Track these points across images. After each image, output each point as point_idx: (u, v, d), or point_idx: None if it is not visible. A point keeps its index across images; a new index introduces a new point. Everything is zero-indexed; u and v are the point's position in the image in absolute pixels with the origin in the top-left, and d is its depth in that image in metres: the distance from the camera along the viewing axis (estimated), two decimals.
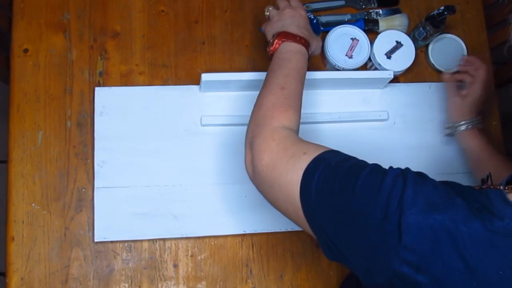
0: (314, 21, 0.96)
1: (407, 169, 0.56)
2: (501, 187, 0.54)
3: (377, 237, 0.52)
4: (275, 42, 0.79)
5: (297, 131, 0.71)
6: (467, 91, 0.95)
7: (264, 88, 0.75)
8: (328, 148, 0.63)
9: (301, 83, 0.76)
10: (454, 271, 0.48)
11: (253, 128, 0.70)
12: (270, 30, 0.84)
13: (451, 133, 0.98)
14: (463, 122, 0.95)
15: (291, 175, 0.60)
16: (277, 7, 0.86)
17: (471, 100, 0.95)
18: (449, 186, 0.55)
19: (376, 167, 0.57)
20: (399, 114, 1.00)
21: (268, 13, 0.87)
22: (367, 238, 0.53)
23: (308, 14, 0.89)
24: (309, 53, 0.82)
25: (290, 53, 0.78)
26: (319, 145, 0.64)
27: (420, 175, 0.55)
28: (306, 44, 0.80)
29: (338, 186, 0.56)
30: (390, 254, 0.50)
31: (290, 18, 0.83)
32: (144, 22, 0.97)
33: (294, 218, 0.62)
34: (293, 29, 0.81)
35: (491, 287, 0.48)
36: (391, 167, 0.56)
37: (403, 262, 0.50)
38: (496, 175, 0.71)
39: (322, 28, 1.00)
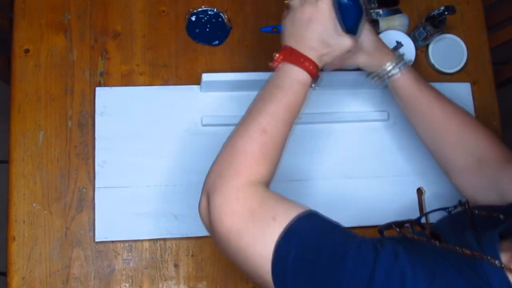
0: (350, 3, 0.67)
1: (396, 254, 0.48)
2: (498, 262, 0.46)
3: None
4: (276, 57, 0.66)
5: (267, 182, 0.61)
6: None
7: (243, 123, 0.63)
8: (300, 208, 0.55)
9: (289, 125, 0.64)
10: None
11: (215, 178, 0.60)
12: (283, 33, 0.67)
13: (380, 82, 0.81)
14: (389, 66, 0.76)
15: (260, 247, 0.53)
16: None
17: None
18: (437, 254, 0.48)
19: (360, 250, 0.50)
20: (399, 114, 0.99)
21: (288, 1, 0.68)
22: None
23: None
24: (316, 81, 0.68)
25: (288, 81, 0.64)
26: (289, 202, 0.57)
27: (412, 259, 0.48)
28: (313, 70, 0.65)
29: (319, 272, 0.50)
30: None
31: (307, 23, 0.64)
32: (145, 22, 0.97)
33: (262, 286, 0.55)
34: (303, 44, 0.65)
35: None
36: (381, 250, 0.48)
37: None
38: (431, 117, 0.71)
39: (366, 14, 0.71)
